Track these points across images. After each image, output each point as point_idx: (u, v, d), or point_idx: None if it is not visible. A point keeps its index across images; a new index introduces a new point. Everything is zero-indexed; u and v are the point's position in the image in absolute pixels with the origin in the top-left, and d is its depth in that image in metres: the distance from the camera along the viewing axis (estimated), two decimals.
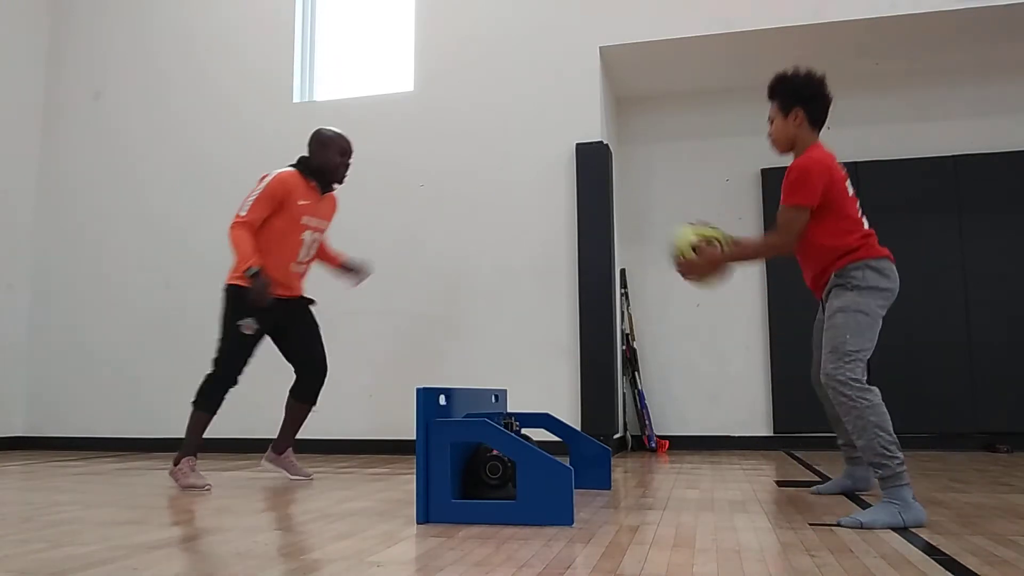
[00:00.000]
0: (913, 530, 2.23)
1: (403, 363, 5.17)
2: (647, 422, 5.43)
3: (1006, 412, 5.10)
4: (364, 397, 5.20)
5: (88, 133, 6.07)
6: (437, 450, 2.43)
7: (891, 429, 2.36)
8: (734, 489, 3.21)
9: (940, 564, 1.79)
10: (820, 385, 2.73)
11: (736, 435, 5.47)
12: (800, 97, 2.68)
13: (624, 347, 5.55)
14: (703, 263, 2.64)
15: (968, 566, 1.77)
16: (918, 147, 5.46)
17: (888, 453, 2.32)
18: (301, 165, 3.59)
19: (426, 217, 5.32)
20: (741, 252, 2.67)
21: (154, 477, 3.90)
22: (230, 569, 1.83)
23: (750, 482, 3.46)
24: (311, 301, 3.76)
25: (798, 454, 4.95)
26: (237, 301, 3.39)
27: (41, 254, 6.03)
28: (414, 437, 2.47)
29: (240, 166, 5.13)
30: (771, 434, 5.43)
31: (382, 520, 2.49)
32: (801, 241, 2.61)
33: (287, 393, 3.73)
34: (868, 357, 2.47)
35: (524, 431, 3.02)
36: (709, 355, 5.61)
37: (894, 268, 2.57)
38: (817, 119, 2.69)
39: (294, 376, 3.71)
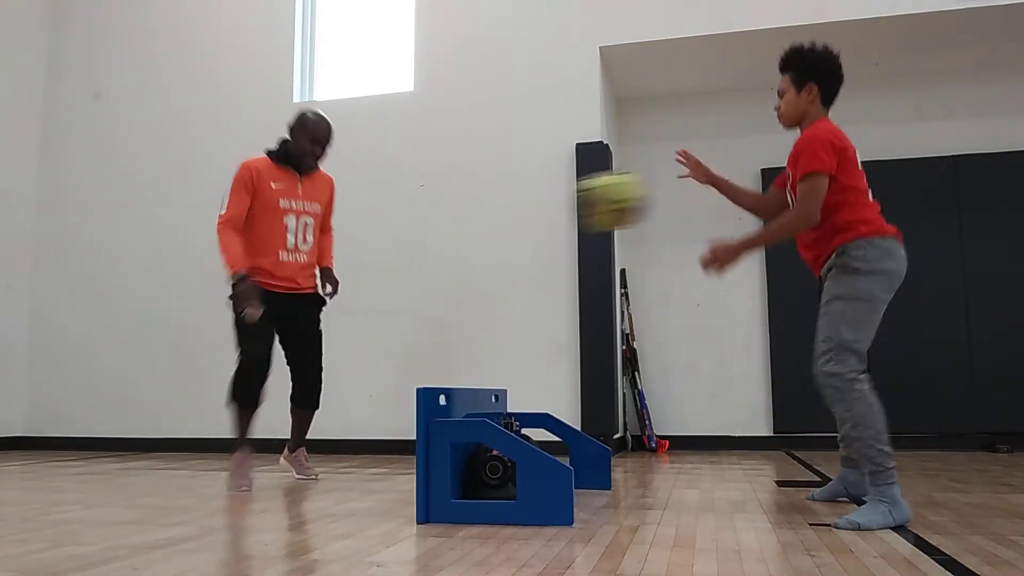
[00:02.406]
0: (913, 530, 2.23)
1: (403, 363, 5.17)
2: (647, 422, 5.43)
3: (1006, 412, 5.10)
4: (364, 397, 5.20)
5: (88, 133, 6.07)
6: (437, 450, 2.43)
7: (883, 424, 2.31)
8: (734, 489, 3.21)
9: (940, 564, 1.79)
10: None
11: (736, 435, 5.47)
12: (816, 72, 2.60)
13: (624, 347, 5.55)
14: (724, 254, 2.56)
15: (968, 566, 1.77)
16: (918, 147, 5.46)
17: (878, 449, 2.28)
18: (276, 148, 3.53)
19: (426, 217, 5.32)
20: (763, 237, 2.58)
21: (154, 477, 3.91)
22: (230, 569, 1.83)
23: (750, 482, 3.46)
24: (322, 301, 3.70)
25: (798, 454, 4.95)
26: (235, 303, 3.35)
27: (41, 254, 6.03)
28: (414, 437, 2.47)
29: None
30: (771, 434, 5.43)
31: (382, 520, 2.49)
32: None
33: (287, 395, 3.74)
34: (867, 347, 2.38)
35: (524, 431, 3.02)
36: (709, 355, 5.61)
37: (902, 249, 2.45)
38: (829, 97, 2.62)
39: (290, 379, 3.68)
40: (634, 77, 5.67)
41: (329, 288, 3.74)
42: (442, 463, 2.42)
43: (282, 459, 3.83)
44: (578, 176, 5.09)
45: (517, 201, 5.18)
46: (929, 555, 1.88)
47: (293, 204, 3.46)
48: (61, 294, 5.95)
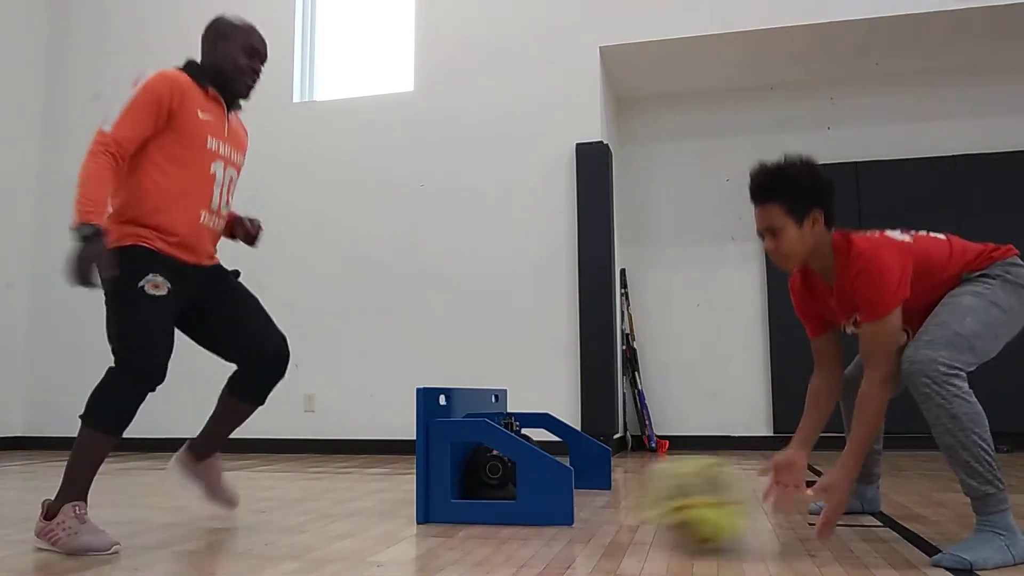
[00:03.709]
0: (913, 530, 2.22)
1: (403, 363, 5.17)
2: (647, 422, 5.43)
3: (1006, 412, 5.09)
4: (364, 397, 5.20)
5: (88, 133, 5.98)
6: (437, 450, 2.43)
7: (989, 434, 1.84)
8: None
9: (940, 564, 1.79)
10: (855, 380, 2.26)
11: (736, 435, 5.47)
12: (816, 194, 2.03)
13: (624, 347, 5.55)
14: (838, 506, 1.93)
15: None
16: (918, 147, 5.46)
17: (987, 461, 1.82)
18: (191, 66, 2.42)
19: (426, 217, 5.32)
20: (856, 447, 1.96)
21: (154, 477, 3.91)
22: (230, 569, 1.83)
23: (750, 482, 3.46)
24: (235, 273, 2.55)
25: None
26: (128, 261, 2.20)
27: (41, 254, 6.02)
28: (414, 437, 2.47)
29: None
30: (771, 434, 5.43)
31: (382, 520, 2.49)
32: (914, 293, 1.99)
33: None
34: (985, 358, 1.94)
35: (524, 431, 3.03)
36: (709, 355, 5.61)
37: None
38: (834, 215, 2.07)
39: (235, 366, 2.54)
40: (634, 77, 5.67)
41: (245, 235, 2.56)
42: (442, 463, 2.42)
43: (176, 463, 2.54)
44: (578, 176, 5.09)
45: (517, 201, 5.18)
46: (929, 555, 1.88)
47: (221, 148, 2.39)
48: (61, 294, 5.94)
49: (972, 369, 1.89)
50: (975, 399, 1.85)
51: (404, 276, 5.28)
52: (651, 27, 5.13)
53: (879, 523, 2.35)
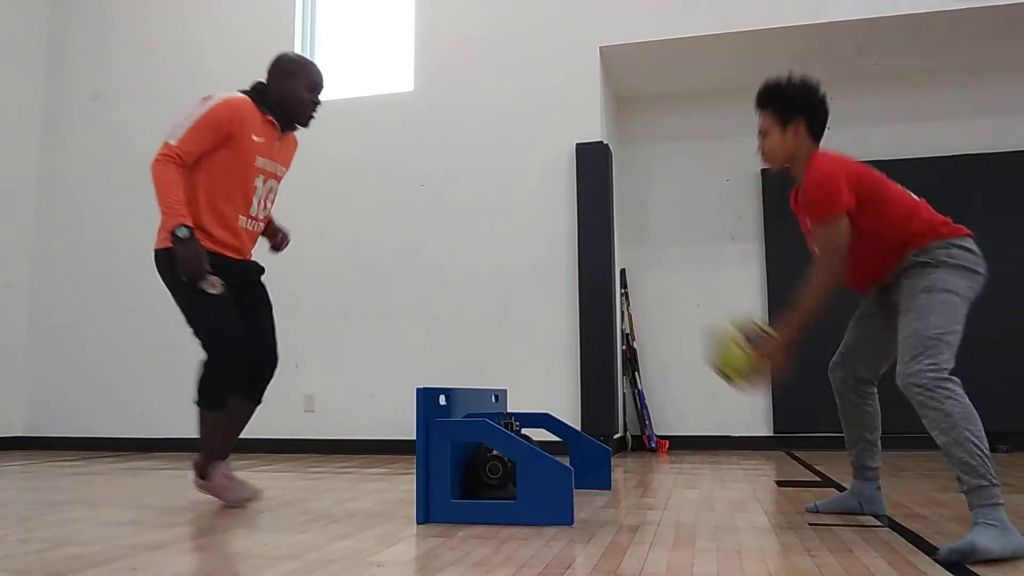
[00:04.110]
0: (913, 530, 2.23)
1: (403, 363, 5.17)
2: (647, 422, 5.43)
3: (1006, 412, 5.09)
4: (364, 397, 5.20)
5: (88, 133, 6.07)
6: (437, 450, 2.43)
7: (982, 431, 1.94)
8: (734, 489, 3.21)
9: (940, 564, 1.79)
10: (841, 379, 2.48)
11: (736, 435, 5.47)
12: (799, 106, 2.38)
13: (624, 347, 5.55)
14: (774, 356, 2.27)
15: (968, 566, 1.77)
16: (918, 147, 5.46)
17: (980, 457, 1.91)
18: (256, 93, 2.85)
19: (426, 217, 5.32)
20: (797, 316, 2.26)
21: (154, 477, 3.91)
22: (230, 569, 1.83)
23: (750, 482, 3.46)
24: (262, 269, 3.04)
25: (798, 454, 4.95)
26: (184, 268, 2.64)
27: (41, 254, 6.03)
28: (414, 437, 2.47)
29: None
30: (771, 434, 5.43)
31: (382, 520, 2.49)
32: (854, 242, 2.25)
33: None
34: (957, 343, 2.05)
35: (524, 431, 3.03)
36: None
37: (978, 248, 2.22)
38: (818, 130, 2.40)
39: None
40: (634, 77, 5.68)
41: (275, 245, 3.15)
42: (442, 463, 2.42)
43: (221, 479, 2.84)
44: (578, 176, 5.09)
45: (517, 201, 5.18)
46: (929, 555, 1.88)
47: (267, 165, 2.86)
48: (61, 294, 5.95)
49: (953, 364, 2.02)
50: (967, 400, 1.97)
51: (404, 276, 5.28)
52: (651, 27, 5.13)
53: (879, 523, 2.35)
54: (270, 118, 2.83)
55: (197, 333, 2.73)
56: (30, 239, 6.03)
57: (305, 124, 2.94)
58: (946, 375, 1.99)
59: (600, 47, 5.20)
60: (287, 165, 3.02)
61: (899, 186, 2.33)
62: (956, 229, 2.22)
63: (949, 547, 1.83)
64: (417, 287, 5.26)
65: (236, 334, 2.74)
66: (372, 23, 5.92)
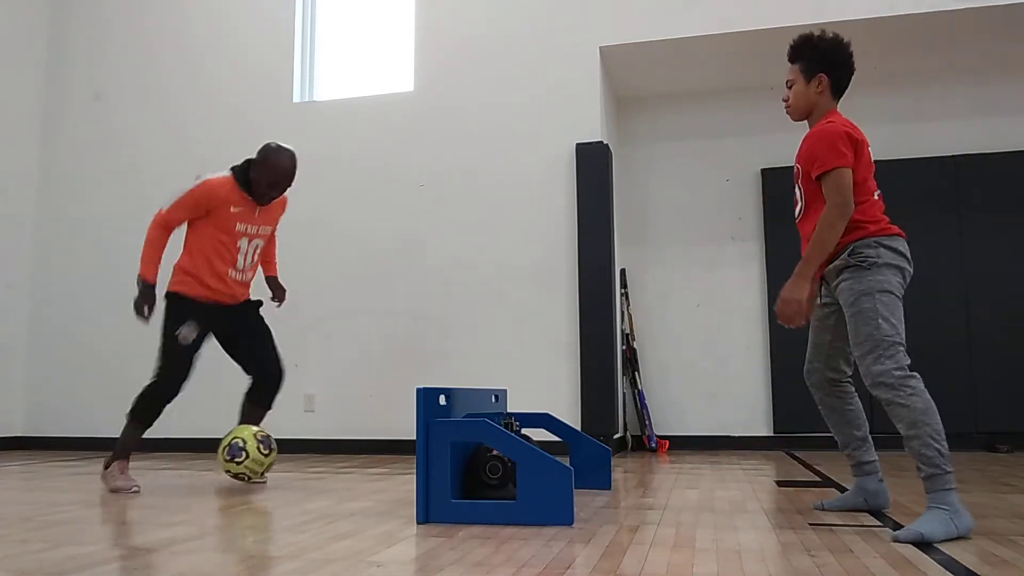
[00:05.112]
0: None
1: (403, 363, 5.17)
2: (647, 422, 5.43)
3: (1006, 412, 5.10)
4: (364, 397, 5.20)
5: (88, 133, 6.07)
6: (437, 450, 2.43)
7: (939, 423, 2.13)
8: (734, 489, 3.21)
9: (940, 564, 1.80)
10: (816, 385, 2.56)
11: (736, 435, 5.47)
12: (826, 62, 2.47)
13: (624, 347, 5.55)
14: (790, 300, 2.35)
15: (968, 566, 1.78)
16: (918, 147, 5.46)
17: (936, 448, 2.10)
18: (240, 172, 3.43)
19: (426, 217, 5.32)
20: (812, 255, 2.34)
21: (154, 477, 3.91)
22: (230, 569, 1.83)
23: (750, 482, 3.46)
24: (258, 303, 3.64)
25: (798, 454, 4.95)
26: (175, 308, 3.35)
27: (41, 254, 6.03)
28: (414, 437, 2.47)
29: None
30: (771, 434, 5.43)
31: (382, 520, 2.49)
32: (809, 211, 2.40)
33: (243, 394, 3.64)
34: (904, 338, 2.21)
35: (524, 431, 3.02)
36: (709, 355, 5.61)
37: (908, 248, 2.36)
38: (840, 87, 2.50)
39: (250, 379, 3.60)
40: (634, 77, 5.68)
41: (275, 298, 3.79)
42: (442, 463, 2.42)
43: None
44: (578, 176, 5.10)
45: (517, 201, 5.18)
46: (929, 555, 1.88)
47: (248, 228, 3.46)
48: (61, 294, 5.95)
49: (908, 359, 2.20)
50: (928, 395, 2.17)
51: (404, 276, 5.28)
52: (651, 27, 5.13)
53: (879, 523, 2.35)
54: (245, 193, 3.41)
55: (158, 361, 3.35)
56: (30, 239, 6.03)
57: (263, 204, 3.46)
58: (908, 372, 2.17)
59: (600, 47, 5.20)
60: (272, 224, 3.60)
61: (873, 179, 2.45)
62: (887, 228, 2.36)
63: (906, 531, 2.05)
64: (417, 287, 5.25)
65: (182, 377, 3.35)
66: (372, 23, 5.92)
